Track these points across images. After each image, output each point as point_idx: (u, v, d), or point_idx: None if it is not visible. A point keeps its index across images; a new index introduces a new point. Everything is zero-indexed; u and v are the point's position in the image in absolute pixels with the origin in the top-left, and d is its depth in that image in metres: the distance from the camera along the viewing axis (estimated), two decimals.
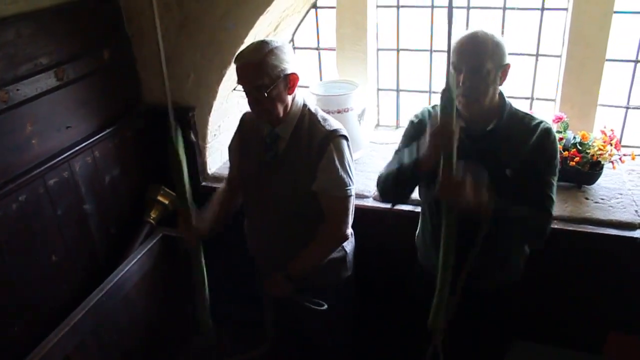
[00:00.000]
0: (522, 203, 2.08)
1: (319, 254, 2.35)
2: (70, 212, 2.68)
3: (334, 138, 2.23)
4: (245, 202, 2.50)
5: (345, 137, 2.28)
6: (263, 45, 2.13)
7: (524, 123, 2.13)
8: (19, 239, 2.42)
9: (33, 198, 2.47)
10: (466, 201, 1.87)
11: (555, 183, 2.13)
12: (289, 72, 2.15)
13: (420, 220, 2.45)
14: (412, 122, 2.34)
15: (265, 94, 2.12)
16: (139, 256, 2.87)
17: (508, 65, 2.06)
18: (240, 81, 2.17)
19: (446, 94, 1.79)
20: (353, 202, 2.33)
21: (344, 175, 2.25)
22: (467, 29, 2.75)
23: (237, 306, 3.03)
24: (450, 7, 1.57)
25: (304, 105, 2.30)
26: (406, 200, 2.41)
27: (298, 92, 2.28)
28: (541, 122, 2.13)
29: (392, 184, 2.21)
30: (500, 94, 2.13)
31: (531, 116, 2.17)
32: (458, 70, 2.01)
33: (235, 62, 2.17)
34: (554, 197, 2.12)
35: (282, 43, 2.17)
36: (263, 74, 2.10)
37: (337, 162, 2.22)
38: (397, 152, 2.35)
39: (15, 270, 2.41)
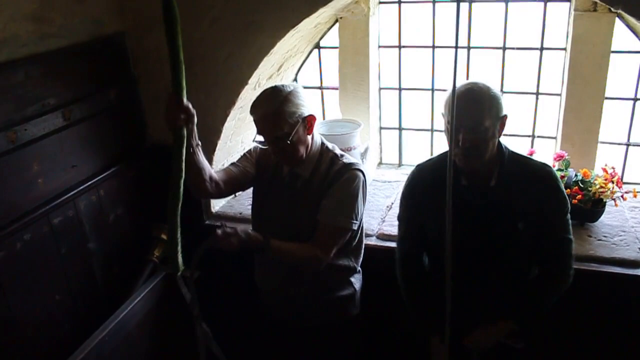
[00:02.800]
0: (538, 253, 2.10)
1: (295, 258, 2.25)
2: (74, 250, 2.69)
3: (349, 171, 2.24)
4: (261, 227, 2.48)
5: (362, 171, 2.28)
6: (276, 94, 2.15)
7: (525, 169, 2.11)
8: (23, 278, 2.42)
9: (37, 237, 2.49)
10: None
11: (569, 220, 2.13)
12: (305, 114, 2.18)
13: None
14: (406, 191, 2.34)
15: (288, 142, 2.15)
16: (141, 295, 2.86)
17: (505, 117, 2.04)
18: (259, 132, 2.20)
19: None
20: (348, 236, 2.28)
21: (349, 207, 2.22)
22: (467, 70, 2.80)
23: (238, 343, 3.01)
24: (455, 59, 1.55)
25: (322, 144, 2.33)
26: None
27: (314, 131, 2.31)
28: (542, 166, 2.13)
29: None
30: (498, 142, 2.11)
31: (530, 160, 2.17)
32: (456, 129, 1.96)
33: (251, 114, 2.19)
34: (572, 235, 2.13)
35: (294, 87, 2.19)
36: (282, 124, 2.13)
37: (346, 191, 2.22)
38: (399, 219, 2.39)
39: (19, 309, 2.41)
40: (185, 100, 2.05)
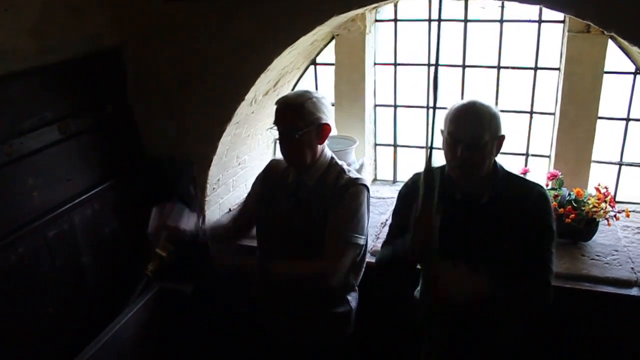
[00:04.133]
0: (520, 275, 2.06)
1: (301, 278, 2.27)
2: (68, 264, 2.69)
3: (355, 185, 2.28)
4: (261, 244, 2.51)
5: (367, 187, 2.32)
6: (305, 93, 2.28)
7: (518, 189, 2.11)
8: (16, 291, 2.41)
9: (32, 250, 2.48)
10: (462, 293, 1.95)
11: (554, 251, 2.09)
12: (322, 121, 2.25)
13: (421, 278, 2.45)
14: (400, 195, 2.35)
15: (297, 136, 2.20)
16: (135, 309, 2.85)
17: (503, 137, 2.05)
18: (276, 121, 2.27)
19: (429, 177, 1.83)
20: (357, 252, 2.31)
21: (354, 223, 2.25)
22: (462, 97, 2.83)
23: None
24: (435, 77, 1.56)
25: (332, 159, 2.38)
26: (406, 277, 2.31)
27: (326, 147, 2.37)
28: (534, 185, 2.13)
29: (388, 272, 2.28)
30: (494, 161, 2.12)
31: (523, 179, 2.19)
32: (455, 141, 2.00)
33: (276, 104, 2.29)
34: (553, 267, 2.09)
35: (322, 96, 2.30)
36: (299, 117, 2.21)
37: (351, 208, 2.25)
38: (391, 227, 2.38)
39: (12, 322, 2.40)
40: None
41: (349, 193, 2.26)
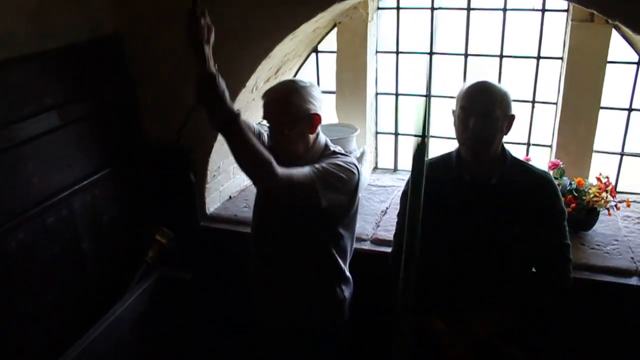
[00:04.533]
0: (538, 258, 2.15)
1: (257, 149, 1.95)
2: (67, 250, 2.69)
3: (344, 158, 2.24)
4: (252, 235, 2.48)
5: (357, 168, 2.25)
6: (290, 84, 2.22)
7: (525, 174, 2.17)
8: (16, 277, 2.42)
9: (31, 236, 2.48)
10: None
11: (567, 226, 2.18)
12: (311, 112, 2.20)
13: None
14: (403, 194, 2.39)
15: (286, 131, 2.18)
16: (134, 295, 2.85)
17: (513, 117, 2.11)
18: (264, 116, 2.23)
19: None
20: (305, 198, 2.09)
21: (324, 175, 2.10)
22: (465, 77, 2.83)
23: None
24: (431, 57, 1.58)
25: (326, 146, 2.33)
26: None
27: (321, 133, 2.32)
28: (542, 173, 2.19)
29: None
30: (502, 144, 2.17)
31: (531, 167, 2.22)
32: (468, 114, 2.05)
33: (262, 98, 2.24)
34: (569, 240, 2.19)
35: (309, 84, 2.24)
36: (285, 112, 2.17)
37: (331, 164, 2.15)
38: (398, 215, 2.42)
39: (11, 308, 2.40)
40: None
41: (334, 158, 2.21)
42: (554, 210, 2.15)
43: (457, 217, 2.13)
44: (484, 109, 2.04)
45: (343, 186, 2.17)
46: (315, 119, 2.22)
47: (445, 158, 2.29)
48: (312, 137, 2.27)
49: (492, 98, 2.05)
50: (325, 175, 2.12)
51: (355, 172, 2.24)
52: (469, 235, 2.12)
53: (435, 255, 2.22)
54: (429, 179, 2.21)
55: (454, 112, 2.16)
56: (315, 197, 2.08)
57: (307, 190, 2.07)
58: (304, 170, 2.09)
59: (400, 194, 2.49)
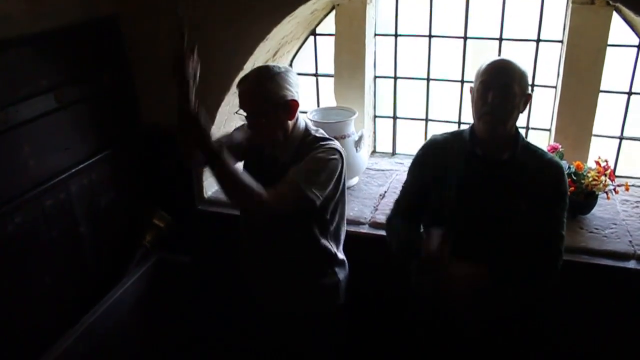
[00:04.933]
0: (533, 240, 2.13)
1: (240, 182, 2.02)
2: (65, 234, 2.68)
3: (326, 145, 2.22)
4: (242, 224, 2.50)
5: (340, 154, 2.22)
6: (265, 72, 2.17)
7: (537, 157, 2.19)
8: (13, 260, 2.41)
9: (29, 219, 2.47)
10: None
11: (565, 218, 2.18)
12: (288, 98, 2.17)
13: None
14: (417, 159, 2.36)
15: (264, 120, 2.15)
16: (132, 279, 2.86)
17: (530, 96, 2.13)
18: (240, 105, 2.20)
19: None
20: (302, 201, 2.11)
21: (311, 174, 2.12)
22: (463, 70, 2.84)
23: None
24: None
25: (306, 129, 2.31)
26: None
27: (301, 117, 2.30)
28: (554, 158, 2.21)
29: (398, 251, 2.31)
30: (515, 125, 2.18)
31: (543, 151, 2.23)
32: (487, 88, 2.07)
33: (237, 87, 2.21)
34: (564, 232, 2.17)
35: (284, 69, 2.19)
36: (261, 101, 2.13)
37: (315, 160, 2.15)
38: (404, 185, 2.41)
39: (9, 291, 2.40)
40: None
41: (317, 149, 2.19)
42: (557, 196, 2.15)
43: (466, 191, 2.15)
44: (503, 84, 2.06)
45: (331, 179, 2.18)
46: (293, 105, 2.20)
47: (457, 134, 2.31)
48: (290, 123, 2.24)
49: (512, 74, 2.07)
50: (311, 176, 2.12)
51: (338, 157, 2.22)
52: (475, 208, 2.14)
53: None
54: (438, 152, 2.25)
55: (471, 89, 2.17)
56: (309, 201, 2.11)
57: (298, 199, 2.10)
58: (290, 179, 2.11)
59: (397, 176, 2.48)
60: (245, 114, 2.20)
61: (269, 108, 2.14)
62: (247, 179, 2.04)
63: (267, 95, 2.13)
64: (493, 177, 2.15)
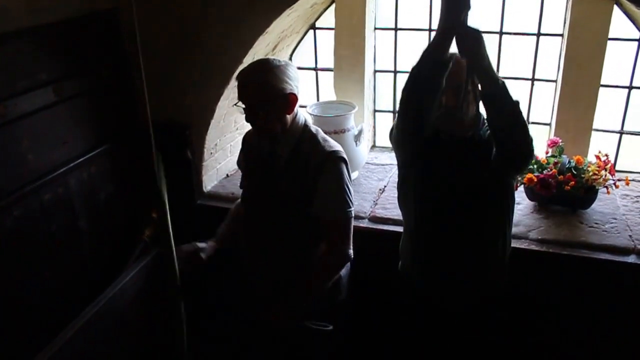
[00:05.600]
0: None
1: (325, 279, 2.32)
2: (64, 228, 2.67)
3: (333, 160, 2.24)
4: (245, 219, 2.51)
5: (344, 160, 2.28)
6: (264, 64, 2.17)
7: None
8: (12, 254, 2.40)
9: (27, 213, 2.46)
10: None
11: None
12: (287, 92, 2.16)
13: (403, 230, 2.48)
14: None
15: (262, 112, 2.15)
16: (132, 273, 2.84)
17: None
18: (239, 97, 2.20)
19: None
20: (353, 222, 2.33)
21: (343, 197, 2.25)
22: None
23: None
24: None
25: (305, 125, 2.31)
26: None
27: (300, 112, 2.30)
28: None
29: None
30: (477, 107, 2.20)
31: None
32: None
33: (236, 79, 2.20)
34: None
35: (284, 63, 2.19)
36: (261, 93, 2.13)
37: (336, 184, 2.23)
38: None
39: (8, 286, 2.39)
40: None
41: (329, 170, 2.23)
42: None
43: (434, 172, 2.22)
44: (456, 85, 2.08)
45: (349, 186, 2.29)
46: (292, 99, 2.19)
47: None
48: (289, 117, 2.24)
49: (463, 72, 2.06)
50: (342, 203, 2.25)
51: (343, 163, 2.28)
52: (445, 187, 2.21)
53: (418, 211, 2.31)
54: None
55: None
56: (351, 217, 2.30)
57: (349, 224, 2.30)
58: (333, 222, 2.26)
59: (397, 171, 2.48)
60: (243, 106, 2.20)
61: (268, 100, 2.14)
62: (324, 276, 2.32)
63: (266, 88, 2.13)
64: (458, 151, 2.20)
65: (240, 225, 2.55)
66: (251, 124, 2.26)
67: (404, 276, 2.47)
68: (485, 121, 2.19)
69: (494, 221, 2.25)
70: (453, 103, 2.09)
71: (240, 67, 2.89)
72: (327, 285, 2.33)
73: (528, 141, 2.10)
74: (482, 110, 2.11)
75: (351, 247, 2.32)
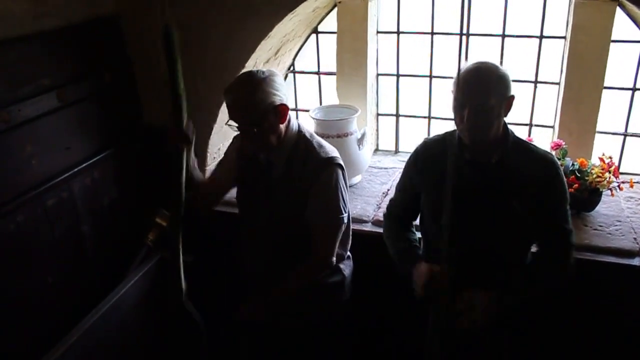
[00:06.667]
0: (538, 242, 2.17)
1: (303, 281, 2.33)
2: (67, 233, 2.68)
3: (329, 166, 2.23)
4: (240, 223, 2.50)
5: (341, 166, 2.28)
6: (249, 81, 2.12)
7: (528, 154, 2.12)
8: (15, 260, 2.41)
9: (31, 219, 2.47)
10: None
11: (569, 211, 2.15)
12: (277, 103, 2.14)
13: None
14: (410, 164, 2.36)
15: (256, 129, 2.13)
16: (135, 278, 2.85)
17: (512, 97, 2.04)
18: (230, 117, 2.17)
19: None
20: (343, 229, 2.32)
21: (336, 204, 2.24)
22: (466, 57, 2.79)
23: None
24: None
25: (299, 131, 2.30)
26: None
27: (293, 118, 2.29)
28: (546, 153, 2.14)
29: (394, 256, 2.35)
30: (504, 124, 2.12)
31: (535, 147, 2.17)
32: (462, 106, 1.99)
33: (224, 97, 2.16)
34: (571, 226, 2.15)
35: (268, 73, 2.15)
36: (251, 112, 2.11)
37: (329, 191, 2.23)
38: (397, 187, 2.43)
39: (11, 291, 2.40)
40: (185, 124, 2.27)
41: (323, 176, 2.22)
42: (555, 191, 2.10)
43: (457, 195, 2.04)
44: (477, 103, 1.97)
45: (343, 195, 2.29)
46: (283, 109, 2.18)
47: (449, 135, 2.23)
48: (282, 126, 2.22)
49: (487, 87, 1.97)
50: (337, 209, 2.26)
51: (339, 170, 2.27)
52: (467, 212, 2.08)
53: (434, 233, 2.22)
54: (428, 156, 2.23)
55: (452, 92, 2.08)
56: (342, 225, 2.31)
57: (338, 232, 2.31)
58: (321, 228, 2.27)
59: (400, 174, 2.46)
60: (236, 124, 2.18)
61: (260, 117, 2.12)
62: (300, 278, 2.31)
63: (256, 105, 2.10)
64: (481, 181, 2.10)
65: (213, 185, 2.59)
66: (247, 142, 2.27)
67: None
68: (513, 141, 2.12)
69: (516, 247, 2.20)
70: (473, 120, 1.99)
71: (244, 71, 2.90)
72: (303, 286, 2.32)
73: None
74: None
75: (334, 254, 2.32)
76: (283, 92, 2.17)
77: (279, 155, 2.27)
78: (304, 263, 2.30)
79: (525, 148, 2.15)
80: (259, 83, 2.10)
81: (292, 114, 2.28)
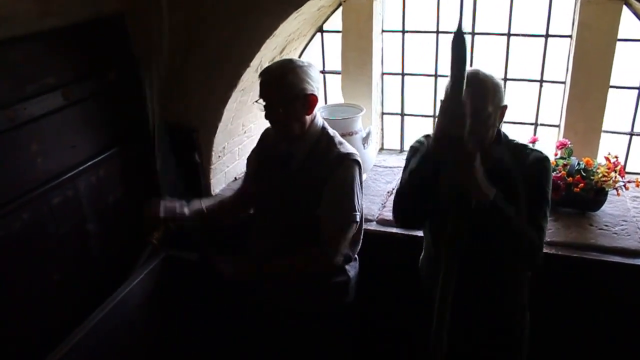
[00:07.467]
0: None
1: (299, 269, 2.30)
2: (73, 231, 2.68)
3: (346, 161, 2.24)
4: (256, 215, 2.53)
5: (358, 163, 2.28)
6: (288, 63, 2.20)
7: (521, 157, 2.10)
8: (21, 258, 2.41)
9: (36, 217, 2.47)
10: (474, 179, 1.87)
11: (547, 214, 2.08)
12: (308, 92, 2.18)
13: (424, 245, 2.44)
14: (412, 147, 2.32)
15: (281, 110, 2.17)
16: (140, 276, 2.85)
17: (505, 107, 2.04)
18: (260, 94, 2.22)
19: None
20: (355, 228, 2.30)
21: (349, 199, 2.23)
22: (470, 65, 2.77)
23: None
24: None
25: (323, 128, 2.32)
26: (422, 220, 2.27)
27: (318, 115, 2.31)
28: (537, 154, 2.10)
29: (409, 196, 2.13)
30: (498, 131, 2.10)
31: (524, 145, 2.15)
32: None
33: (259, 76, 2.23)
34: (545, 227, 2.07)
35: (307, 64, 2.22)
36: (282, 91, 2.15)
37: (344, 185, 2.23)
38: (404, 172, 2.36)
39: (16, 289, 2.41)
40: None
41: (340, 171, 2.22)
42: (539, 187, 2.06)
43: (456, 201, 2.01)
44: (475, 107, 1.91)
45: (358, 194, 2.27)
46: (312, 100, 2.20)
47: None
48: (308, 118, 2.25)
49: (484, 94, 1.96)
50: (351, 205, 2.23)
51: (356, 166, 2.26)
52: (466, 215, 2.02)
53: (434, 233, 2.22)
54: (425, 159, 2.20)
55: (442, 102, 2.02)
56: (354, 225, 2.27)
57: (349, 230, 2.27)
58: (331, 224, 2.23)
59: None
60: (264, 103, 2.22)
61: (288, 99, 2.16)
62: (300, 266, 2.29)
63: (287, 86, 2.15)
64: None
65: (224, 210, 2.66)
66: (270, 122, 2.29)
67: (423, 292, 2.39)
68: (506, 144, 2.11)
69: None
70: (472, 127, 1.89)
71: (248, 70, 2.91)
72: (296, 271, 2.31)
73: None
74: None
75: (341, 254, 2.29)
76: (316, 85, 2.22)
77: (300, 148, 2.28)
78: (308, 255, 2.27)
79: (517, 150, 2.13)
80: (295, 67, 2.17)
81: (317, 112, 2.31)
